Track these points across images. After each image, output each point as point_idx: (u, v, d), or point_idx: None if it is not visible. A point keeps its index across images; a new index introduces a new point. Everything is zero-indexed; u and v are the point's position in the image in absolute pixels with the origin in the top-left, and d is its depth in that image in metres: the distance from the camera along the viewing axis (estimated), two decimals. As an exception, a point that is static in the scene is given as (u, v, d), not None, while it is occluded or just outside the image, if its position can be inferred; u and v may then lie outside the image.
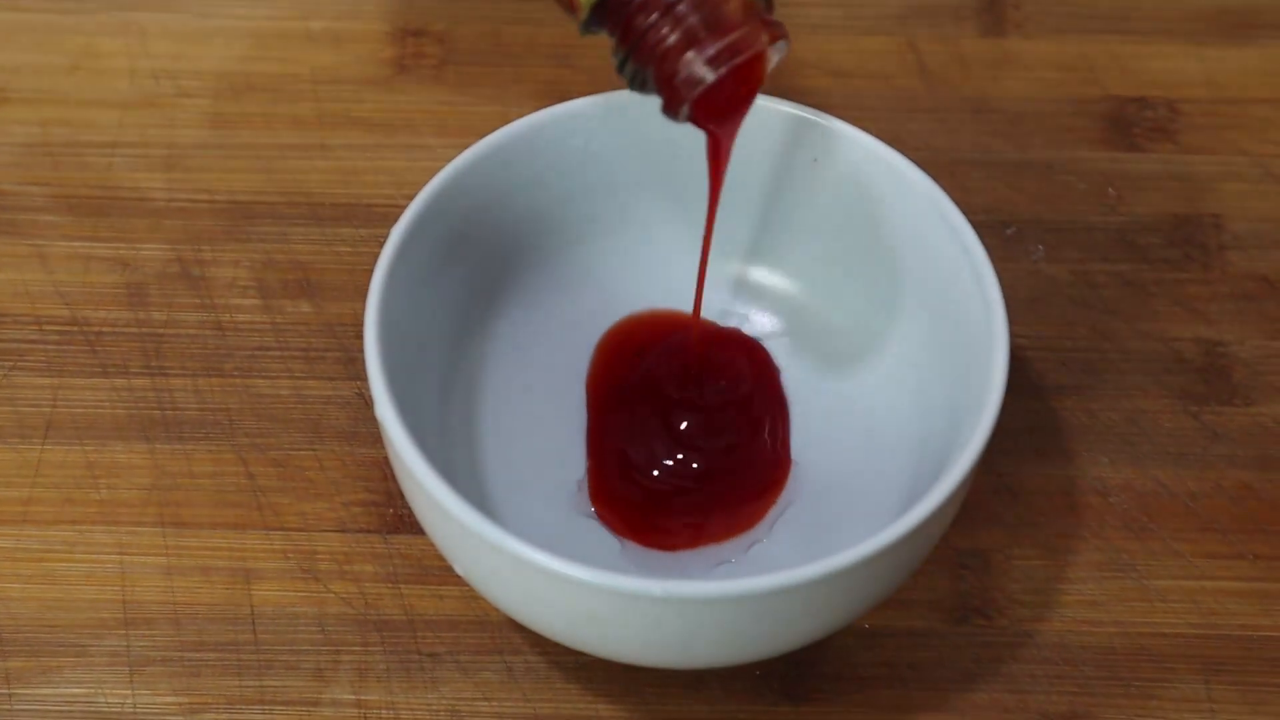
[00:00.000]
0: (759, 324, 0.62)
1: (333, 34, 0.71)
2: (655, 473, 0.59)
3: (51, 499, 0.60)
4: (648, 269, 0.62)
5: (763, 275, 0.62)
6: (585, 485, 0.59)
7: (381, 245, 0.56)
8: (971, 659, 0.58)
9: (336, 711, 0.57)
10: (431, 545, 0.58)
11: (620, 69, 0.55)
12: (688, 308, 0.61)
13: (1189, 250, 0.66)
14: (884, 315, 0.60)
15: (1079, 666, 0.58)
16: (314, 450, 0.61)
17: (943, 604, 0.59)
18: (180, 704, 0.57)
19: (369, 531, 0.60)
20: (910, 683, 0.57)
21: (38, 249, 0.66)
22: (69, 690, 0.57)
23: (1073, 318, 0.64)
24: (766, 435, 0.59)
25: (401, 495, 0.58)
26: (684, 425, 0.59)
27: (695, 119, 0.54)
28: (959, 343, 0.56)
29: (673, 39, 0.53)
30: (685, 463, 0.59)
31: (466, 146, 0.58)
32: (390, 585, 0.59)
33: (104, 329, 0.64)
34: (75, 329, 0.64)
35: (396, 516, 0.60)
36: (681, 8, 0.53)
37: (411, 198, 0.57)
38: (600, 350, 0.61)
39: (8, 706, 0.57)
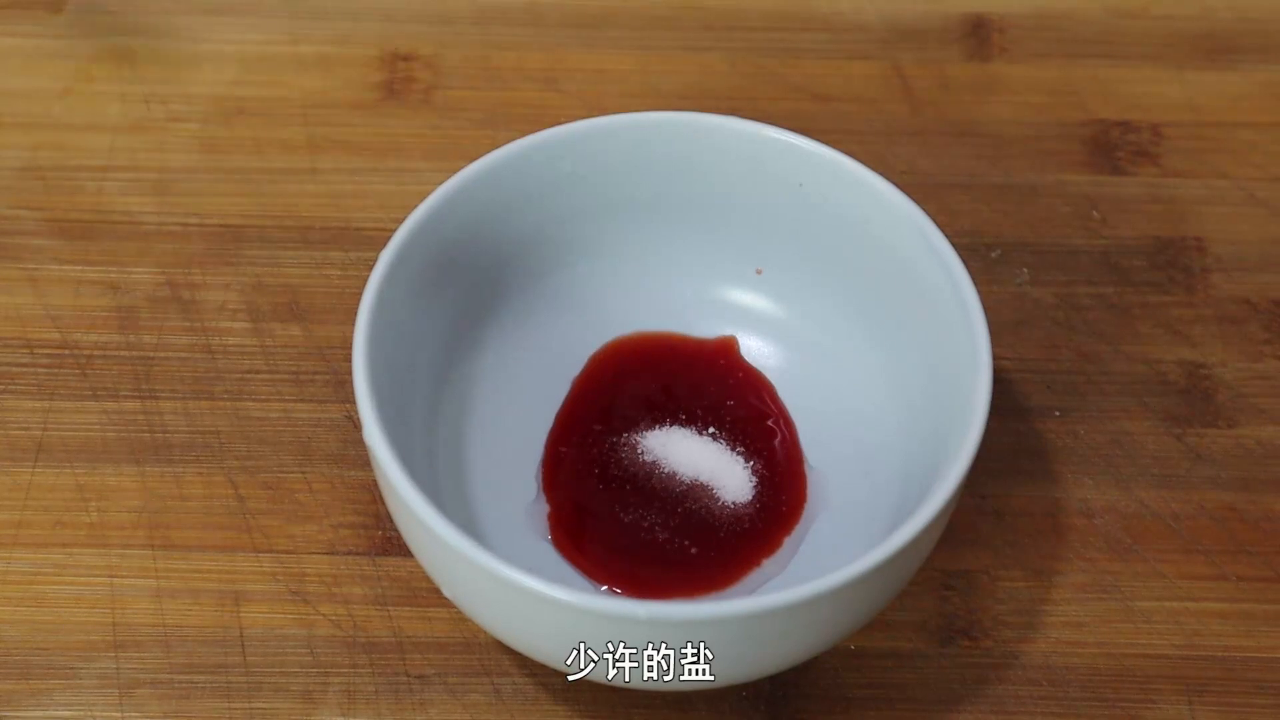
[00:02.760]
0: (745, 347, 0.62)
1: (322, 58, 0.72)
2: (633, 523, 0.58)
3: (42, 522, 0.61)
4: (635, 292, 0.63)
5: (749, 299, 0.62)
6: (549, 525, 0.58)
7: (370, 269, 0.56)
8: (957, 680, 0.58)
9: (325, 733, 0.57)
10: (420, 567, 0.58)
11: None
12: (675, 329, 0.62)
13: (1172, 273, 0.66)
14: (869, 338, 0.61)
15: (1063, 687, 0.58)
16: (303, 473, 0.62)
17: (928, 625, 0.59)
18: (170, 726, 0.57)
19: (358, 554, 0.60)
20: (896, 704, 0.58)
21: (29, 273, 0.66)
22: (59, 713, 0.57)
23: (1057, 340, 0.65)
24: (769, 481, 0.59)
25: (390, 518, 0.58)
26: (669, 475, 0.59)
27: None
28: (944, 366, 0.57)
29: None
30: (668, 515, 0.59)
31: (455, 170, 0.59)
32: (379, 607, 0.59)
33: (94, 352, 0.64)
34: (66, 352, 0.64)
35: (385, 539, 0.60)
36: None
37: (400, 221, 0.57)
38: (582, 378, 0.61)
39: (-2, 729, 0.57)
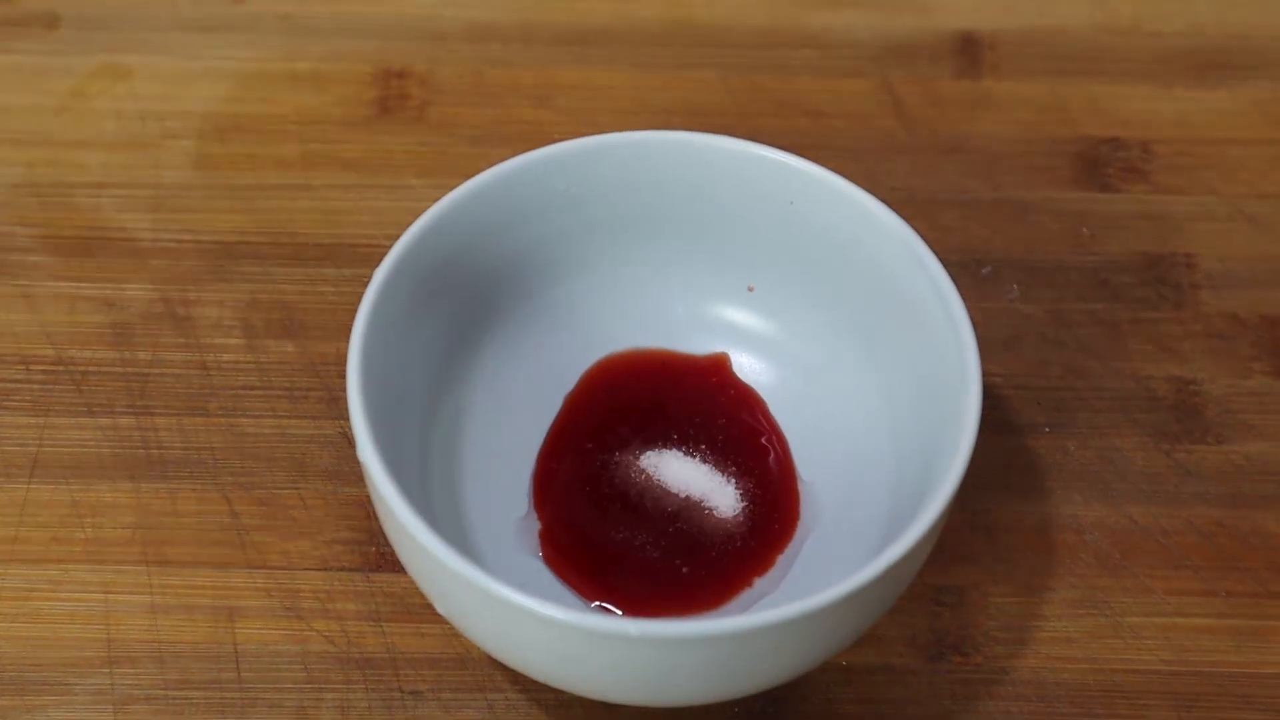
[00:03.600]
0: (737, 364, 0.62)
1: (316, 75, 0.72)
2: (624, 539, 0.59)
3: (37, 538, 0.61)
4: (627, 309, 0.63)
5: (740, 316, 0.63)
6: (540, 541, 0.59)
7: (364, 285, 0.57)
8: (947, 695, 0.58)
9: (319, 749, 0.57)
10: (413, 583, 0.58)
11: None
12: (667, 346, 0.62)
13: (1162, 289, 0.67)
14: (861, 355, 0.61)
15: (1053, 703, 0.58)
16: (297, 489, 0.62)
17: (919, 641, 0.59)
18: (164, 742, 0.57)
19: (351, 570, 0.60)
20: (887, 719, 0.58)
21: (24, 289, 0.66)
22: (54, 728, 0.57)
23: (1047, 356, 0.65)
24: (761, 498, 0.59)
25: (384, 534, 0.58)
26: (665, 489, 0.60)
27: None
28: (934, 383, 0.57)
29: None
30: (661, 532, 0.59)
31: (449, 187, 0.59)
32: (372, 623, 0.59)
33: (89, 369, 0.64)
34: (61, 369, 0.64)
35: (379, 555, 0.60)
36: None
37: (394, 238, 0.58)
38: (574, 395, 0.61)
39: (-7, 745, 0.57)
